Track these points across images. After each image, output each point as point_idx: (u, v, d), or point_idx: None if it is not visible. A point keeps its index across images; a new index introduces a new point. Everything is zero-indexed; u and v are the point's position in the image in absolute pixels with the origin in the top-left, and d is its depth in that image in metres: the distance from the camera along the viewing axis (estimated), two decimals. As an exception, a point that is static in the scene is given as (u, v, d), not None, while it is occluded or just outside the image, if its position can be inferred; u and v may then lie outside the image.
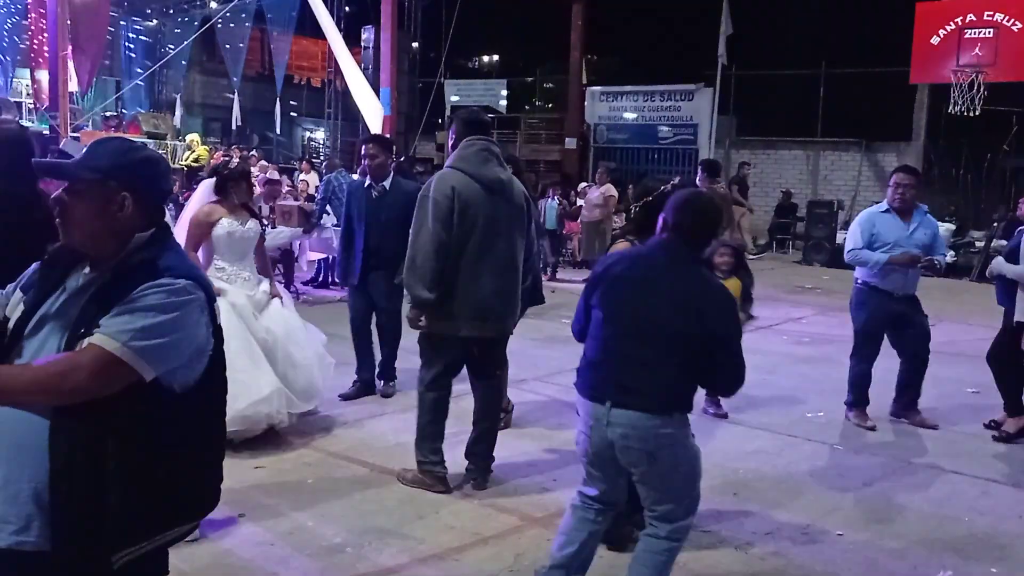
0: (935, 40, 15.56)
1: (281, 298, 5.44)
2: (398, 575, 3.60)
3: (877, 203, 6.09)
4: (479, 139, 4.44)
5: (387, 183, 6.02)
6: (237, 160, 5.44)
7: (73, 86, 14.17)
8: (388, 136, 6.51)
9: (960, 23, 15.26)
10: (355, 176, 9.38)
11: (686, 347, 2.97)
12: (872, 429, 5.75)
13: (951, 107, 15.04)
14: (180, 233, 5.11)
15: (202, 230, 5.10)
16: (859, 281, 5.90)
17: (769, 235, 18.93)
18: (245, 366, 4.76)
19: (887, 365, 5.97)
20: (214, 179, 5.31)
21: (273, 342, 5.07)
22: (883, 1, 17.84)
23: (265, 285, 5.36)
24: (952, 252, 13.50)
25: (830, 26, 20.24)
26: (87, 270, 2.03)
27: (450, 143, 4.60)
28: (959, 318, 9.84)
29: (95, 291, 1.95)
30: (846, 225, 17.85)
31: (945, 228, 12.80)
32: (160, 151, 11.14)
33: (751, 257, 12.10)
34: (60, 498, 1.86)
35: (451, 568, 3.69)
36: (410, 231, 4.38)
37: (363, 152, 6.17)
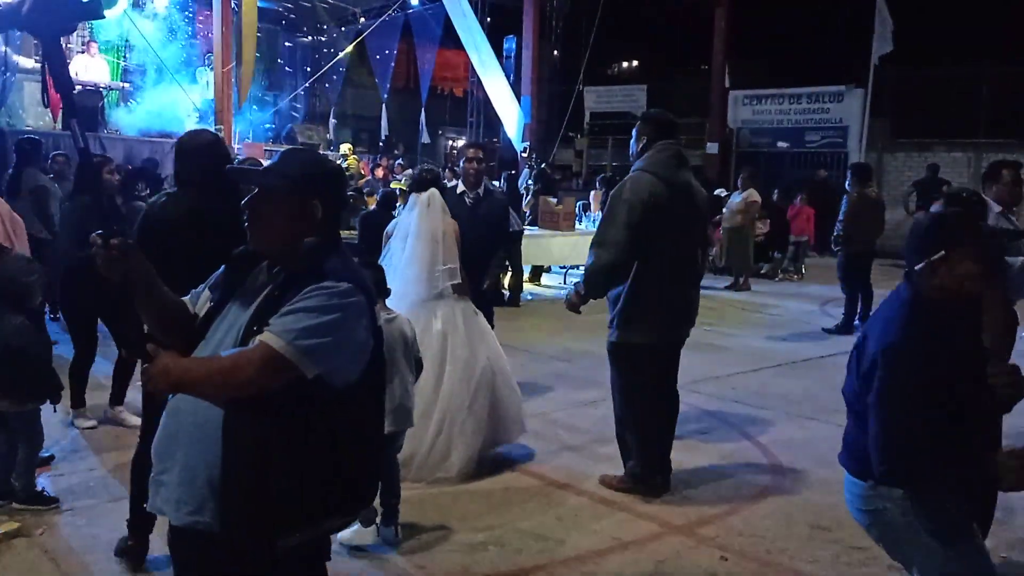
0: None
1: None
2: None
3: None
4: (672, 144, 4.51)
5: (480, 190, 5.92)
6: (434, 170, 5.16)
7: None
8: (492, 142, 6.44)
9: None
10: (496, 183, 9.57)
11: None
12: None
13: None
14: (430, 245, 4.76)
15: (457, 243, 4.89)
16: None
17: (926, 243, 17.87)
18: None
19: None
20: (435, 190, 4.91)
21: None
22: (1057, -9, 16.57)
23: None
24: None
25: (994, 19, 18.95)
26: (265, 271, 2.18)
27: (637, 145, 4.57)
28: None
29: (268, 291, 2.10)
30: (1013, 232, 16.61)
31: None
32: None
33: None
34: (230, 483, 1.99)
35: (591, 571, 3.70)
36: (598, 227, 4.51)
37: (467, 156, 5.98)
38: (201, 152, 3.46)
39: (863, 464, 2.48)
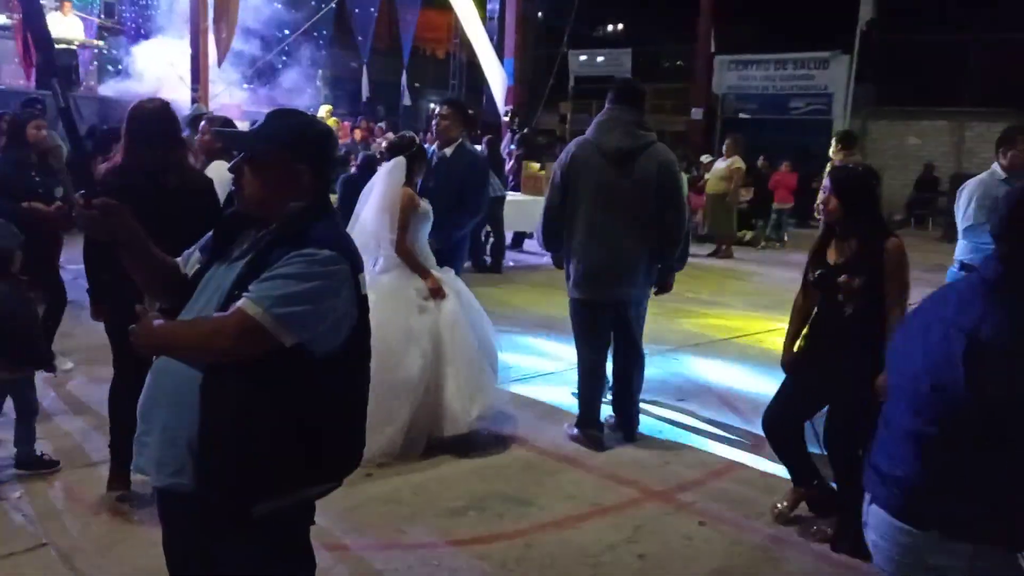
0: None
1: None
2: (519, 540, 3.66)
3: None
4: (612, 108, 4.64)
5: (448, 151, 5.57)
6: (416, 137, 4.85)
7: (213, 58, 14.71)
8: (463, 103, 6.31)
9: None
10: (479, 147, 9.45)
11: None
12: None
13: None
14: (380, 214, 4.56)
15: (411, 214, 4.62)
16: (963, 265, 4.96)
17: (907, 210, 18.00)
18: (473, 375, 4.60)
19: None
20: (403, 158, 4.70)
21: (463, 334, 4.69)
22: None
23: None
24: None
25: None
26: (252, 235, 2.14)
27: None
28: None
29: (252, 256, 2.06)
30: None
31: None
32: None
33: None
34: (206, 447, 1.98)
35: (570, 536, 3.72)
36: None
37: (435, 113, 5.83)
38: (149, 117, 3.63)
39: (920, 504, 1.95)
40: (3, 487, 3.91)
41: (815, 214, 9.89)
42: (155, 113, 3.66)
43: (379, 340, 4.10)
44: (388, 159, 4.77)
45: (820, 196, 3.60)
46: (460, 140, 5.64)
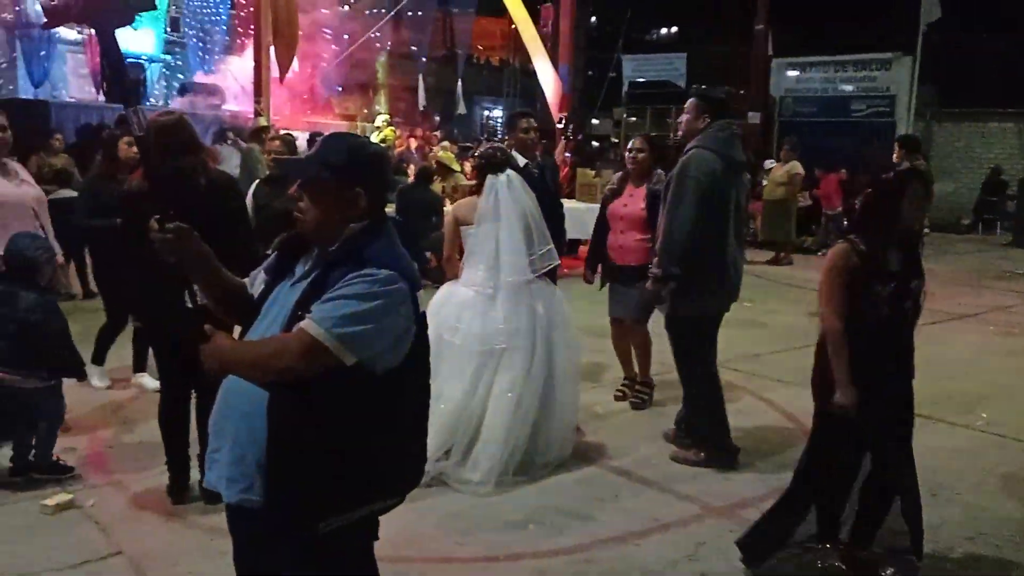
0: None
1: None
2: (578, 556, 3.66)
3: None
4: (730, 123, 4.74)
5: (539, 159, 5.73)
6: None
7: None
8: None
9: None
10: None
11: None
12: None
13: None
14: (536, 226, 4.67)
15: None
16: None
17: (974, 214, 17.50)
18: None
19: None
20: (511, 171, 4.74)
21: None
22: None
23: None
24: None
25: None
26: (314, 256, 2.19)
27: (699, 123, 4.63)
28: None
29: (313, 277, 2.11)
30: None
31: None
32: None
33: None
34: (273, 465, 2.02)
35: (631, 552, 3.70)
36: (668, 206, 4.54)
37: (522, 127, 5.75)
38: (164, 130, 3.85)
39: None
40: (78, 495, 4.03)
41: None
42: (171, 125, 3.93)
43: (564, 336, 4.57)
44: (493, 173, 4.68)
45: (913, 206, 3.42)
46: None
